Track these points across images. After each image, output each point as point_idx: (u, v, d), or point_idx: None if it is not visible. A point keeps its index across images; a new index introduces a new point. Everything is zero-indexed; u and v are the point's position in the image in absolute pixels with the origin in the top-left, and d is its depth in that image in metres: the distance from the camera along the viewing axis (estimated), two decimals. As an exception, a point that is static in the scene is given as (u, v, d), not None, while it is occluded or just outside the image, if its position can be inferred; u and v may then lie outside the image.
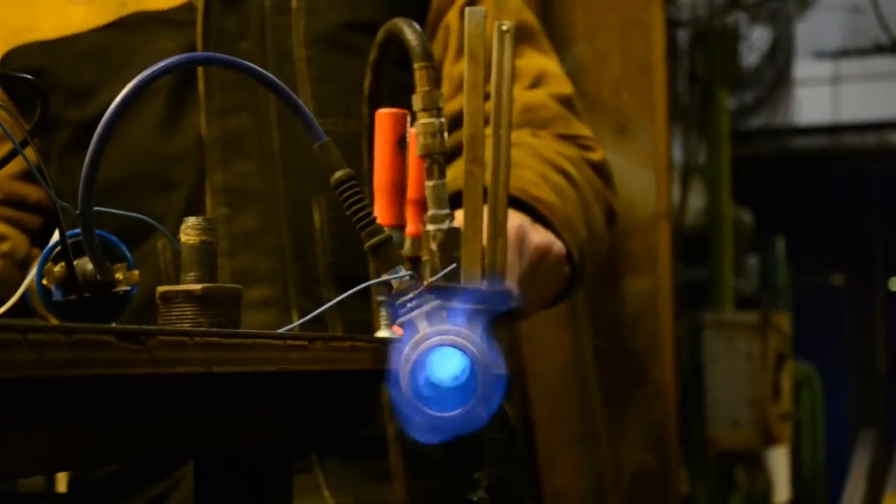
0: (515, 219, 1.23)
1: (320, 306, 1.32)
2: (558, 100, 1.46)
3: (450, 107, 1.44)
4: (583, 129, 1.46)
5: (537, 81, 1.46)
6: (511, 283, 1.16)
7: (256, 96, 1.36)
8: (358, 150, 1.28)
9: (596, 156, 1.44)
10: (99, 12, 1.39)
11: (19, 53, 1.40)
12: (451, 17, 1.44)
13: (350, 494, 1.32)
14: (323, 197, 1.34)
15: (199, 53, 0.87)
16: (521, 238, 1.21)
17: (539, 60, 1.48)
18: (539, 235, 1.25)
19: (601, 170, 1.44)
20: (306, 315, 1.32)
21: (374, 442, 1.24)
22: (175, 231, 1.32)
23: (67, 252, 0.80)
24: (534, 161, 1.35)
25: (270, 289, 1.34)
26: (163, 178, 1.37)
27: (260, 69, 0.80)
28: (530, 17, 1.52)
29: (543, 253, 1.24)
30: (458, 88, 1.42)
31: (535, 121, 1.43)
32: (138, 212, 1.32)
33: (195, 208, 1.35)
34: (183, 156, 1.36)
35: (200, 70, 1.35)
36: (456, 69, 1.44)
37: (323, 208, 1.35)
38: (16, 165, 1.40)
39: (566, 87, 1.48)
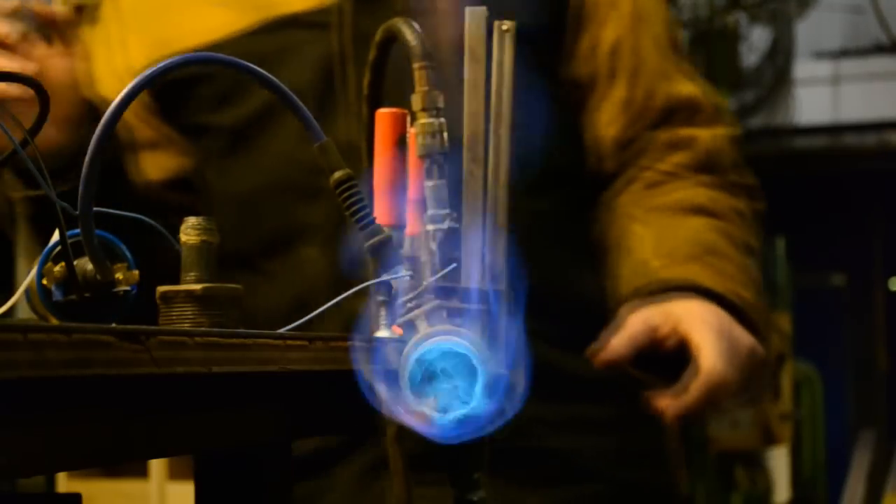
0: (722, 318, 1.25)
1: None
2: (733, 142, 1.45)
3: (610, 131, 1.41)
4: (751, 178, 1.45)
5: (715, 117, 1.46)
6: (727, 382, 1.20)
7: (403, 102, 1.33)
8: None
9: (761, 206, 1.45)
10: (240, 17, 1.37)
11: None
12: (607, 34, 1.41)
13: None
14: None
15: (197, 54, 0.86)
16: (734, 342, 1.24)
17: (709, 90, 1.48)
18: (746, 337, 1.26)
19: (763, 221, 1.45)
20: None
21: (513, 448, 1.24)
22: (325, 239, 1.31)
23: (67, 252, 0.80)
24: (733, 251, 1.36)
25: None
26: (308, 186, 1.34)
27: (257, 69, 0.80)
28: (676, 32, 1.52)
29: (752, 354, 1.26)
30: (622, 111, 1.41)
31: (717, 167, 1.42)
32: (285, 220, 1.32)
33: (339, 217, 1.33)
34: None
35: (347, 75, 1.33)
36: (616, 91, 1.41)
37: None
38: (163, 174, 1.41)
39: (736, 126, 1.48)
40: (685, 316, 1.24)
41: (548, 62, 1.38)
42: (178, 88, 1.37)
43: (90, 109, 1.31)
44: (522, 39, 1.30)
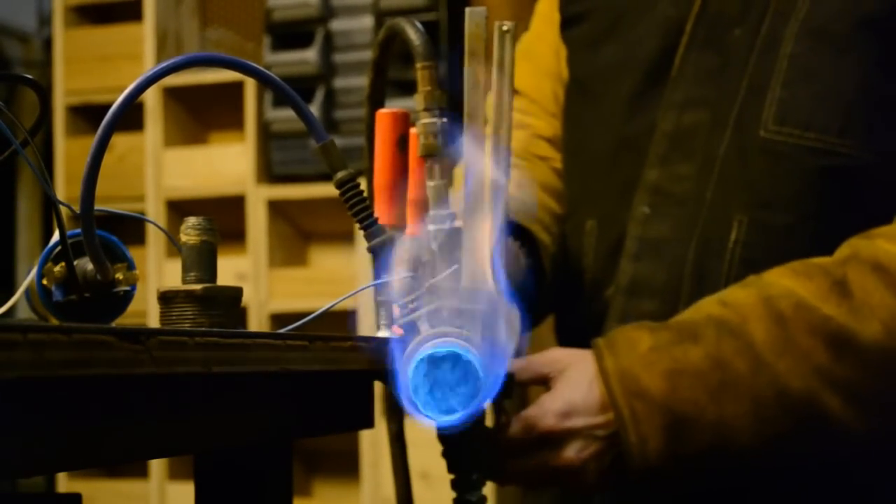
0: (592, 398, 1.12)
1: None
2: None
3: None
4: None
5: None
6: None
7: (723, 91, 1.22)
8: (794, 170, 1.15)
9: None
10: None
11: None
12: None
13: None
14: (746, 216, 1.19)
15: (201, 53, 0.84)
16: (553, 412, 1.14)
17: None
18: (581, 419, 1.12)
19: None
20: None
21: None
22: (610, 213, 1.28)
23: (67, 252, 0.80)
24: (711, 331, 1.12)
25: (660, 304, 1.21)
26: (612, 159, 1.28)
27: (257, 67, 0.80)
28: None
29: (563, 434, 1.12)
30: None
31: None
32: (582, 185, 1.30)
33: (625, 200, 1.25)
34: (634, 141, 1.26)
35: (682, 49, 1.24)
36: None
37: (742, 228, 1.19)
38: (543, 177, 1.38)
39: None
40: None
41: None
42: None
43: None
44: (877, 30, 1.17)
